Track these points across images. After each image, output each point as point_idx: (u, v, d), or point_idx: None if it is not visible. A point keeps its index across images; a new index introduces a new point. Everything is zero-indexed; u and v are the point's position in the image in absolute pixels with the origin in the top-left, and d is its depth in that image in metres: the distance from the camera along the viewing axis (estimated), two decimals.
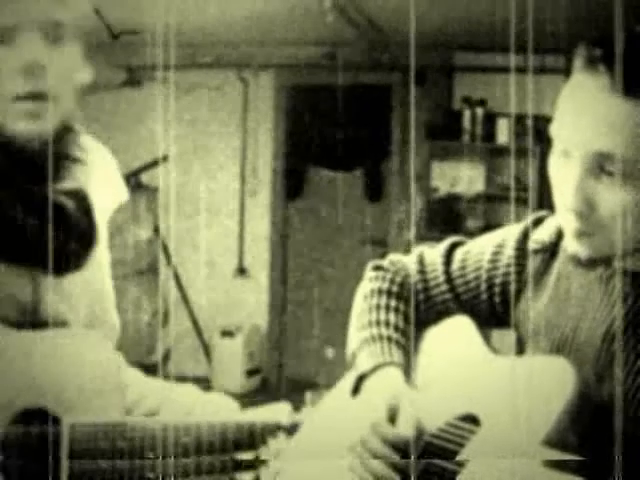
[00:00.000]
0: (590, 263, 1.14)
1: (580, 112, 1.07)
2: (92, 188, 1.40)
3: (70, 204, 1.33)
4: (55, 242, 1.29)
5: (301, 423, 1.41)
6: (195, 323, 6.08)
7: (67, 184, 1.34)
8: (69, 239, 1.32)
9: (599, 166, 1.06)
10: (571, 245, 1.14)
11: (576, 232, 1.11)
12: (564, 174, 1.10)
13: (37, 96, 1.25)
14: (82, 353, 1.33)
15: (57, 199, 1.31)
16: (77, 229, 1.34)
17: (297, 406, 1.45)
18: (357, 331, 1.39)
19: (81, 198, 1.36)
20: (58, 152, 1.34)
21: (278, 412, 1.42)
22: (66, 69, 1.29)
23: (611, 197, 1.07)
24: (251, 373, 5.97)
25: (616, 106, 1.04)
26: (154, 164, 5.70)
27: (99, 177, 1.43)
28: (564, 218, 1.13)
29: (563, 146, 1.10)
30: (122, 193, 1.53)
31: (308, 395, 1.46)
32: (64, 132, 1.35)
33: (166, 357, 5.79)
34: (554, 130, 1.12)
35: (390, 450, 1.20)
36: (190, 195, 6.10)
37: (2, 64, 1.24)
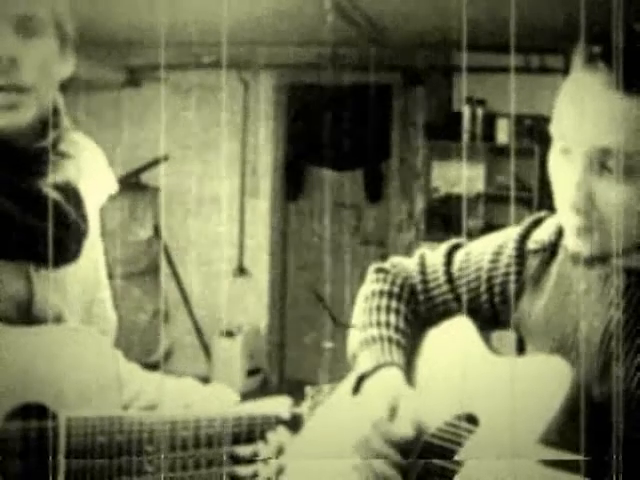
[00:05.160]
0: (591, 261, 1.14)
1: (580, 109, 1.07)
2: (81, 181, 1.40)
3: (59, 197, 1.34)
4: (46, 235, 1.30)
5: (300, 416, 1.41)
6: (195, 323, 6.08)
7: (56, 177, 1.35)
8: (59, 232, 1.32)
9: (600, 162, 1.06)
10: (572, 243, 1.14)
11: (577, 229, 1.11)
12: (565, 171, 1.10)
13: (12, 88, 1.26)
14: (79, 348, 1.33)
15: (46, 192, 1.32)
16: (67, 221, 1.35)
17: (297, 404, 1.45)
18: (358, 332, 1.40)
19: (70, 191, 1.37)
20: (46, 146, 1.34)
21: (278, 405, 1.43)
22: (42, 62, 1.29)
23: (612, 193, 1.07)
24: (251, 373, 5.97)
25: (616, 102, 1.04)
26: (154, 164, 5.70)
27: (88, 170, 1.44)
28: (565, 215, 1.13)
29: (563, 144, 1.10)
30: (111, 185, 1.53)
31: (308, 389, 1.46)
32: (51, 126, 1.36)
33: (167, 357, 5.79)
34: (554, 128, 1.12)
35: (392, 449, 1.20)
36: (190, 195, 6.10)
37: None
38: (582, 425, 1.07)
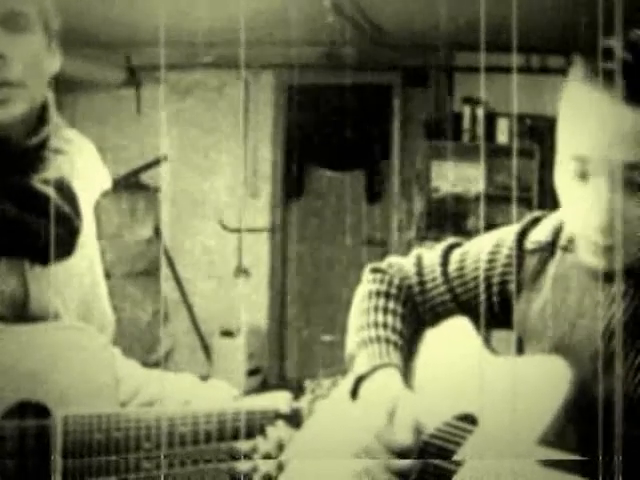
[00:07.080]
0: (609, 276, 1.12)
1: (596, 128, 1.04)
2: (75, 177, 1.40)
3: (53, 193, 1.34)
4: (39, 231, 1.30)
5: (300, 411, 1.40)
6: (195, 323, 6.08)
7: (49, 174, 1.35)
8: (53, 228, 1.32)
9: (623, 179, 1.04)
10: (589, 260, 1.12)
11: (597, 248, 1.09)
12: (582, 193, 1.08)
13: (1, 83, 1.26)
14: (75, 346, 1.32)
15: (39, 188, 1.32)
16: (61, 217, 1.35)
17: (297, 399, 1.45)
18: (355, 333, 1.39)
19: (64, 187, 1.37)
20: (39, 143, 1.35)
21: (277, 400, 1.42)
22: (31, 57, 1.30)
23: (633, 208, 1.05)
24: (251, 373, 5.97)
25: (632, 116, 1.02)
26: (154, 164, 5.71)
27: (81, 166, 1.44)
28: (582, 235, 1.11)
29: (577, 164, 1.07)
30: (105, 181, 1.53)
31: (308, 383, 1.46)
32: (43, 122, 1.36)
33: (167, 357, 5.79)
34: (562, 146, 1.10)
35: (392, 456, 1.20)
36: (190, 195, 6.10)
37: None
38: (581, 424, 1.07)
